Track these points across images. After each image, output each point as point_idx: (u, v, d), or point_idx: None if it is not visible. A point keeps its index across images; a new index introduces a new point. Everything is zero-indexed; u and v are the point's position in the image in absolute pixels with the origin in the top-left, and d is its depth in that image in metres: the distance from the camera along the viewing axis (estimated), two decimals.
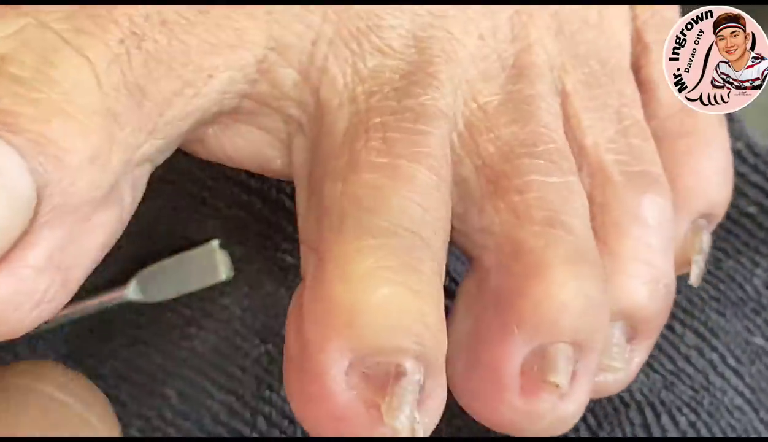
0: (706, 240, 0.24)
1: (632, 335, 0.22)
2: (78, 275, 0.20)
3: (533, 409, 0.20)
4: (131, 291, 0.27)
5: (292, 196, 0.28)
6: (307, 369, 0.19)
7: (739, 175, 0.30)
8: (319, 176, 0.21)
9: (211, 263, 0.27)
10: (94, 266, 0.20)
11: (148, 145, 0.20)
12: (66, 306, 0.20)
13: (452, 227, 0.21)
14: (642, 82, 0.24)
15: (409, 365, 0.19)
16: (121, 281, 0.27)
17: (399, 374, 0.19)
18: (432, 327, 0.19)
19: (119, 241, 0.21)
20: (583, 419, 0.27)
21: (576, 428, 0.27)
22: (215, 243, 0.27)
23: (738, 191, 0.30)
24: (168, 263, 0.27)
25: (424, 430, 0.20)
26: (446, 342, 0.20)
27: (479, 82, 0.22)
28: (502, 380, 0.20)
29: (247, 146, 0.22)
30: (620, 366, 0.22)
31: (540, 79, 0.22)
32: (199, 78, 0.20)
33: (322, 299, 0.19)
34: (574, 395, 0.21)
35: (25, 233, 0.18)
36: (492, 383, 0.20)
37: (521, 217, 0.21)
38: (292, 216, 0.28)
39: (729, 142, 0.25)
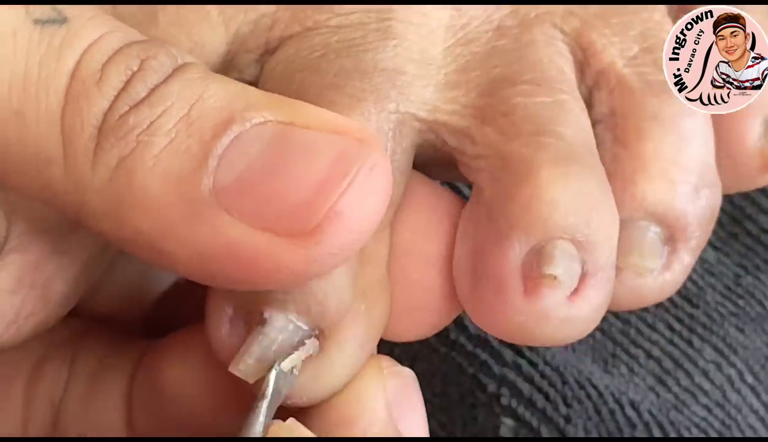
0: None
1: (668, 237, 0.22)
2: (60, 288, 0.20)
3: (537, 307, 0.20)
4: None
5: None
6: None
7: (760, 191, 0.30)
8: None
9: None
10: (88, 276, 0.21)
11: None
12: None
13: (455, 159, 0.21)
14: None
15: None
16: None
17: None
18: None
19: None
20: (586, 435, 0.27)
21: None
22: None
23: (758, 208, 0.30)
24: None
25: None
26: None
27: (458, 46, 0.22)
28: (503, 284, 0.20)
29: None
30: (653, 266, 0.21)
31: (533, 28, 0.22)
32: None
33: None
34: (585, 295, 0.20)
35: None
36: (495, 289, 0.20)
37: (509, 134, 0.21)
38: None
39: None
